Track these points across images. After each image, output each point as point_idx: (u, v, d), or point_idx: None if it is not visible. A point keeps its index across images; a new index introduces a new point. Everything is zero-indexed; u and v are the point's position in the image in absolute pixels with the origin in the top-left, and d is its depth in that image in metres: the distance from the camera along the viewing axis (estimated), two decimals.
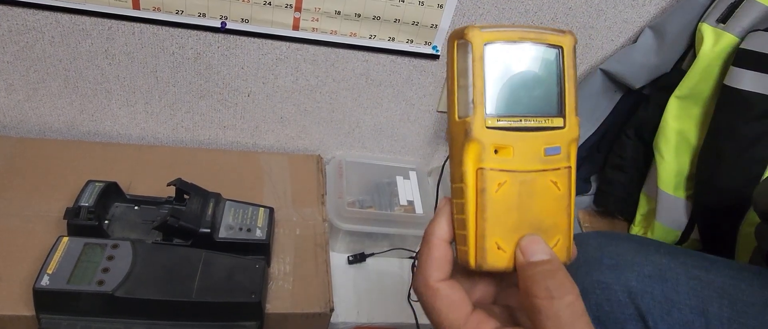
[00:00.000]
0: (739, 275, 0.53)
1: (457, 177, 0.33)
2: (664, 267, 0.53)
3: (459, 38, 0.32)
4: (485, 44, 0.31)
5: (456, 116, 0.32)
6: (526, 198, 0.32)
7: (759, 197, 0.61)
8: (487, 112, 0.31)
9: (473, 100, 0.31)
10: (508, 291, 0.36)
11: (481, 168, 0.32)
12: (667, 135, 0.83)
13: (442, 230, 0.33)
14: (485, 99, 0.31)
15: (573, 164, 0.33)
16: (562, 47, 0.32)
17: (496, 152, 0.32)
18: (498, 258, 0.32)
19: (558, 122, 0.33)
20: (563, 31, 0.33)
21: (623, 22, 0.88)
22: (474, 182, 0.32)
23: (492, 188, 0.32)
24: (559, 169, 0.33)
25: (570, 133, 0.33)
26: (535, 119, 0.32)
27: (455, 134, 0.32)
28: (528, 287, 0.30)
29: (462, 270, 0.34)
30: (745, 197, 0.74)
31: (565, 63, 0.33)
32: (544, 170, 0.32)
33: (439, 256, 0.33)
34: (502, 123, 0.32)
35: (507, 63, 0.32)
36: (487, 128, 0.31)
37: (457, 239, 0.34)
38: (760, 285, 0.52)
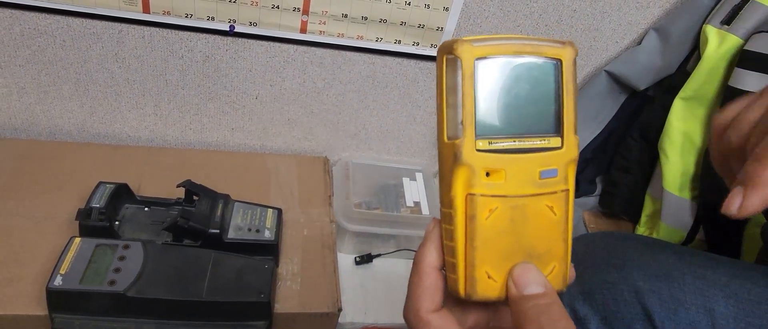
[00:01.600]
0: (745, 274, 0.53)
1: (446, 202, 0.31)
2: (670, 267, 0.54)
3: (448, 53, 0.29)
4: (476, 60, 0.29)
5: (445, 137, 0.30)
6: (520, 224, 0.30)
7: None
8: (478, 133, 0.29)
9: (462, 121, 0.29)
10: (501, 313, 0.35)
11: (471, 194, 0.30)
12: (672, 136, 0.84)
13: (432, 256, 0.32)
14: (475, 120, 0.29)
15: (571, 186, 0.31)
16: (560, 60, 0.30)
17: (487, 175, 0.30)
18: (489, 288, 0.31)
19: (555, 141, 0.31)
20: (563, 42, 0.30)
21: (628, 24, 0.88)
22: (463, 209, 0.30)
23: (482, 215, 0.30)
24: (555, 192, 0.31)
25: (568, 154, 0.31)
26: (530, 139, 0.30)
27: (444, 156, 0.30)
28: (520, 323, 0.29)
29: (454, 297, 0.32)
30: None
31: (564, 77, 0.30)
32: (538, 195, 0.30)
33: (429, 285, 0.32)
34: (494, 145, 0.30)
35: (500, 79, 0.30)
36: (478, 150, 0.29)
37: (446, 267, 0.32)
38: (765, 285, 0.52)
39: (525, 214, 0.30)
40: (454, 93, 0.29)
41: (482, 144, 0.29)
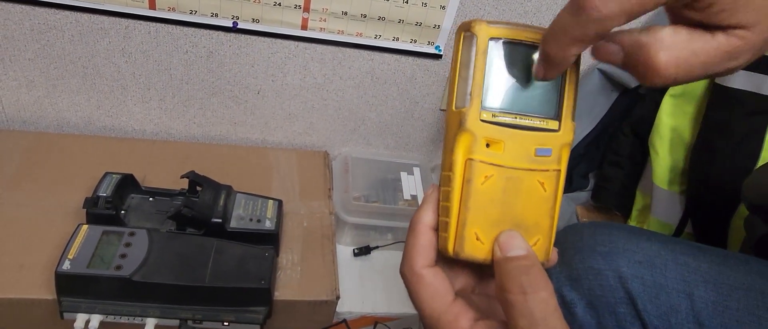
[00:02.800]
0: (725, 261, 0.55)
1: (447, 165, 0.33)
2: (653, 254, 0.56)
3: (466, 30, 0.32)
4: (490, 39, 0.31)
5: (453, 106, 0.32)
6: (511, 195, 0.32)
7: (747, 189, 0.64)
8: (484, 105, 0.32)
9: (471, 92, 0.31)
10: (488, 281, 0.37)
11: (471, 159, 0.32)
12: (661, 132, 0.86)
13: (428, 217, 0.34)
14: (483, 92, 0.32)
15: (563, 167, 0.33)
16: None
17: (487, 145, 0.32)
18: (476, 249, 0.33)
19: (553, 124, 0.33)
20: None
21: None
22: (462, 172, 0.32)
23: (478, 180, 0.32)
24: (547, 171, 0.33)
25: (564, 137, 0.33)
26: (530, 118, 0.32)
27: (450, 123, 0.33)
28: (503, 282, 0.31)
29: (445, 258, 0.34)
30: (736, 191, 0.76)
31: (568, 68, 0.32)
32: (532, 170, 0.32)
33: (424, 243, 0.34)
34: (497, 118, 0.32)
35: (510, 60, 0.32)
36: (481, 120, 0.32)
37: (439, 226, 0.34)
38: (744, 271, 0.54)
39: (517, 186, 0.33)
40: (467, 66, 0.32)
41: (486, 116, 0.32)
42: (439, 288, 0.33)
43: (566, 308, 0.56)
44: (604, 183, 0.98)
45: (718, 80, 0.77)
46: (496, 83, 0.32)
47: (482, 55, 0.31)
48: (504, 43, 0.32)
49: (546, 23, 0.87)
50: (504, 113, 0.32)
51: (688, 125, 0.84)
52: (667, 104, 0.84)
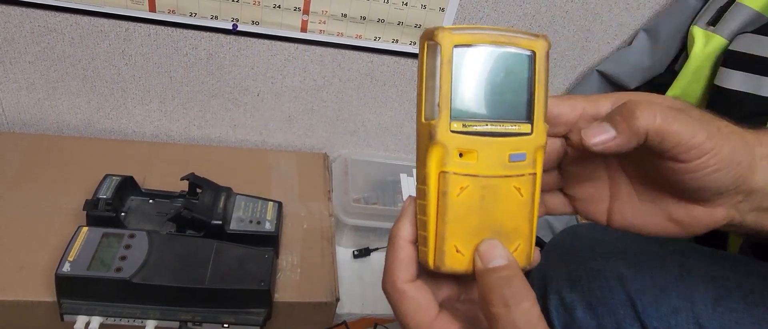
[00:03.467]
0: (725, 263, 0.55)
1: (421, 178, 0.33)
2: (653, 255, 0.56)
3: (429, 39, 0.31)
4: (454, 47, 0.31)
5: (422, 118, 0.32)
6: (488, 203, 0.32)
7: None
8: (453, 116, 0.31)
9: (439, 103, 0.31)
10: (472, 286, 0.36)
11: (444, 172, 0.31)
12: None
13: (406, 230, 0.33)
14: (451, 103, 0.31)
15: (539, 170, 0.33)
16: (534, 52, 0.32)
17: (460, 155, 0.31)
18: (456, 261, 0.32)
19: (526, 128, 0.32)
20: (537, 36, 0.32)
21: (618, 25, 0.91)
22: (436, 185, 0.32)
23: (454, 192, 0.31)
24: (523, 175, 0.32)
25: (537, 139, 0.33)
26: (501, 124, 0.32)
27: (421, 135, 0.32)
28: (485, 294, 0.30)
29: (426, 272, 0.34)
30: None
31: (537, 68, 0.32)
32: (507, 176, 0.32)
33: (404, 257, 0.33)
34: (468, 127, 0.31)
35: (476, 66, 0.31)
36: (452, 132, 0.31)
37: (418, 240, 0.33)
38: (744, 272, 0.54)
39: (494, 194, 0.32)
40: (433, 77, 0.31)
41: (456, 126, 0.31)
42: (421, 303, 0.33)
43: (566, 310, 0.56)
44: None
45: (716, 82, 0.78)
46: (464, 91, 0.31)
47: (447, 64, 0.30)
48: (468, 49, 0.31)
49: (545, 25, 0.87)
50: (474, 121, 0.31)
51: None
52: None
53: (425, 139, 0.31)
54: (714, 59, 0.78)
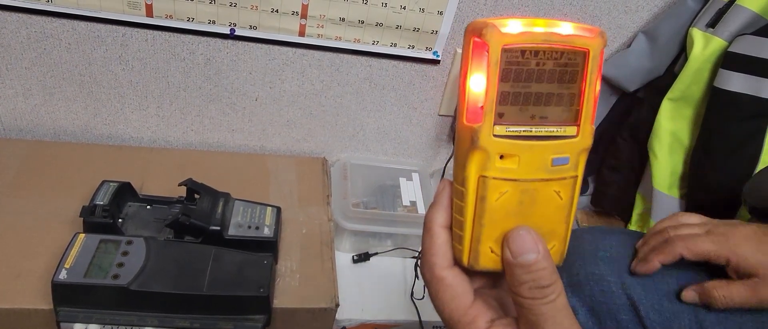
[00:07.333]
0: None
1: (459, 180, 0.31)
2: None
3: (476, 36, 0.29)
4: (503, 48, 0.28)
5: (464, 119, 0.30)
6: (526, 207, 0.31)
7: (748, 192, 0.64)
8: (497, 120, 0.29)
9: (483, 106, 0.29)
10: (503, 274, 0.37)
11: (484, 176, 0.30)
12: (660, 136, 0.86)
13: (442, 217, 0.34)
14: (496, 106, 0.29)
15: (580, 173, 0.32)
16: (588, 51, 0.30)
17: (501, 157, 0.30)
18: (490, 261, 0.32)
19: (571, 130, 0.31)
20: (592, 31, 0.30)
21: (617, 28, 0.91)
22: (475, 189, 0.31)
23: (492, 197, 0.31)
24: (564, 179, 0.31)
25: (582, 142, 0.31)
26: (546, 128, 0.30)
27: (461, 136, 0.31)
28: (513, 286, 0.31)
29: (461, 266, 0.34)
30: (736, 194, 0.76)
31: (589, 68, 0.30)
32: (548, 180, 0.31)
33: (441, 243, 0.34)
34: (511, 131, 0.30)
35: (525, 67, 0.29)
36: (495, 136, 0.30)
37: (453, 235, 0.33)
38: None
39: (533, 197, 0.31)
40: (479, 78, 0.29)
41: (499, 130, 0.30)
42: (458, 290, 0.33)
43: None
44: (603, 188, 0.98)
45: (716, 83, 0.77)
46: (510, 93, 0.29)
47: (495, 66, 0.28)
48: (519, 49, 0.29)
49: None
50: (519, 124, 0.30)
51: (688, 128, 0.84)
52: (666, 108, 0.84)
53: (466, 141, 0.30)
54: (713, 61, 0.78)
